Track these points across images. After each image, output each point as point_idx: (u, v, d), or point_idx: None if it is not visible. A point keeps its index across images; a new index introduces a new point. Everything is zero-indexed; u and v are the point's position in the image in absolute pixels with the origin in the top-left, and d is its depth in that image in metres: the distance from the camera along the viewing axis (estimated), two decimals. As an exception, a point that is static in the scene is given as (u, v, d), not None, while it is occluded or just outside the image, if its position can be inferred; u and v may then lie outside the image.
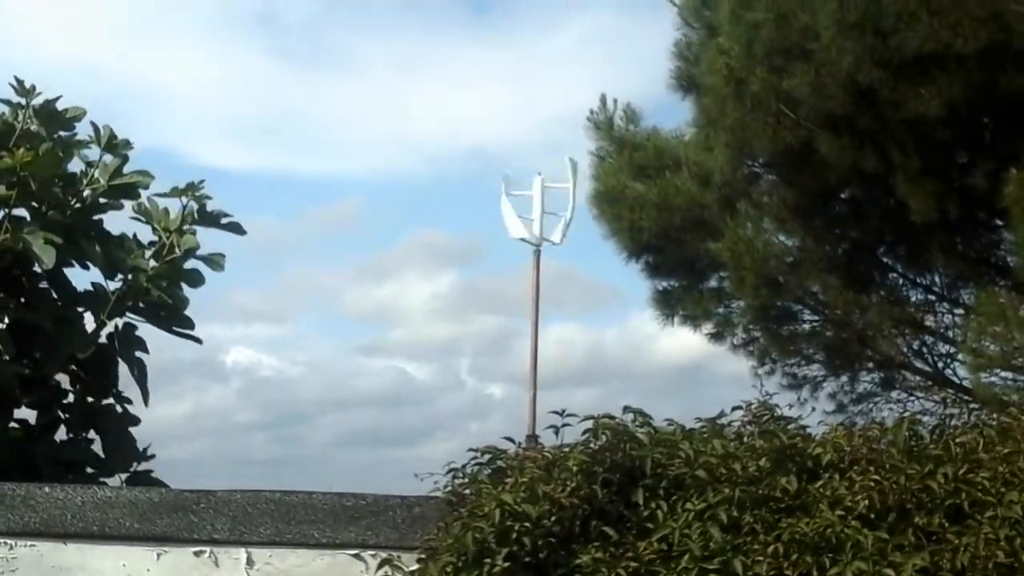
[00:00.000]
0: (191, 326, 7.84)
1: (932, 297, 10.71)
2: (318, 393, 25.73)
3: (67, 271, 7.80)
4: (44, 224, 7.36)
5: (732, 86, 9.45)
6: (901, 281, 10.74)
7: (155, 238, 7.84)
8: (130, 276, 7.64)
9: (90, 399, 7.82)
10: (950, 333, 10.56)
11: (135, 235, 7.91)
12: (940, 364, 10.69)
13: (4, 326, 7.33)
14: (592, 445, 5.15)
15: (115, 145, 7.74)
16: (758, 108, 9.32)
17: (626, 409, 5.34)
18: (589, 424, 5.23)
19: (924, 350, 10.75)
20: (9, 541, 5.30)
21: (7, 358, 7.19)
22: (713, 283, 11.49)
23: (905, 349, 10.73)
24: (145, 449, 7.87)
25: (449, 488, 5.24)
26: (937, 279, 10.65)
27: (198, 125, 30.52)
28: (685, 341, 12.29)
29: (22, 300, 7.54)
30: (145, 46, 28.77)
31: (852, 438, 5.06)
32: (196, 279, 7.94)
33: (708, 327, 11.43)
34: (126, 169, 7.79)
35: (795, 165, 9.75)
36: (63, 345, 7.50)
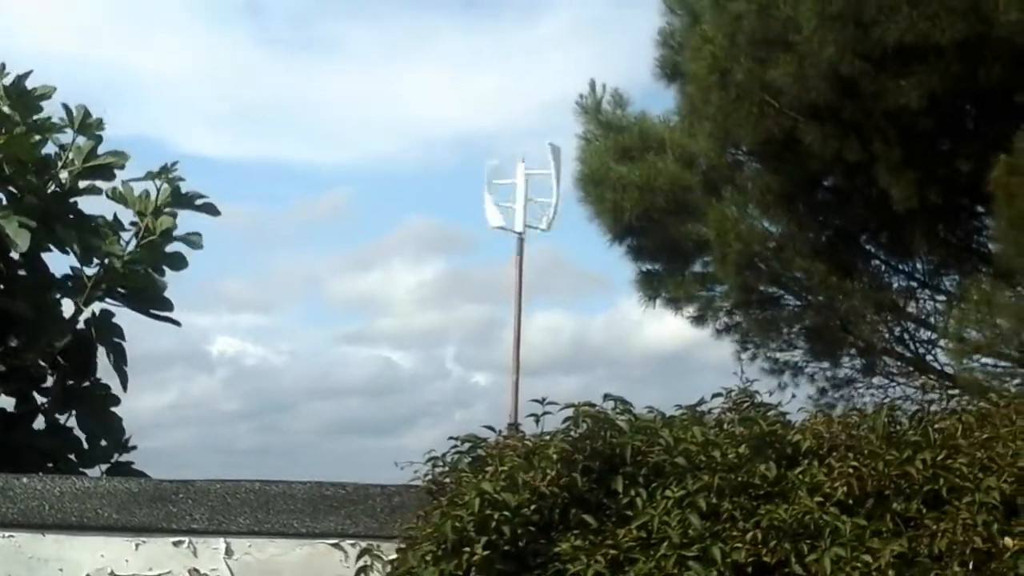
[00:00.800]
0: (170, 307, 7.81)
1: (914, 284, 10.76)
2: (303, 382, 25.74)
3: (44, 256, 7.78)
4: (18, 208, 7.32)
5: (716, 75, 9.48)
6: (883, 268, 10.79)
7: (134, 221, 7.82)
8: (106, 261, 7.61)
9: (69, 383, 7.80)
10: (932, 320, 10.60)
11: (115, 216, 7.87)
12: (921, 350, 10.73)
13: None
14: (572, 433, 5.14)
15: (88, 126, 7.70)
16: (742, 97, 9.34)
17: (607, 397, 5.33)
18: (570, 412, 5.23)
19: (906, 336, 10.80)
20: (-13, 532, 5.28)
21: None
22: (697, 266, 11.52)
23: (887, 335, 10.76)
24: (126, 440, 7.86)
25: (429, 477, 5.24)
26: (919, 266, 10.69)
27: (185, 114, 30.52)
28: (671, 329, 12.35)
29: (-1, 287, 7.51)
30: (132, 35, 28.79)
31: (831, 424, 5.06)
32: (178, 262, 7.92)
33: (690, 310, 11.47)
34: (100, 150, 7.75)
35: (778, 153, 9.78)
36: (41, 332, 7.47)
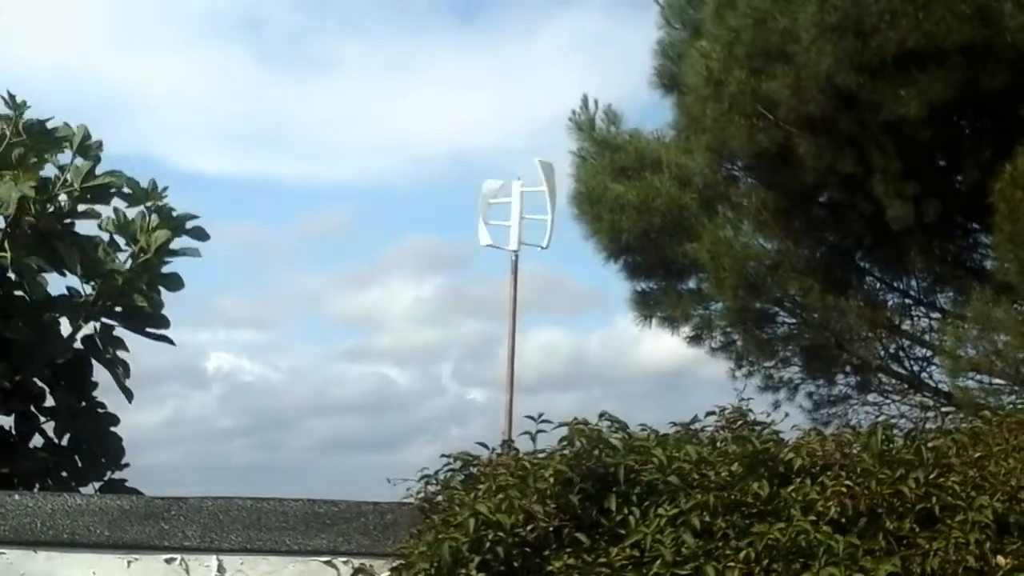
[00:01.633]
0: (166, 325, 7.82)
1: (909, 301, 10.74)
2: (300, 399, 25.65)
3: (42, 276, 7.77)
4: (18, 231, 7.35)
5: (712, 87, 9.46)
6: (878, 285, 10.77)
7: (128, 244, 7.83)
8: (101, 281, 7.62)
9: (69, 402, 7.80)
10: (927, 337, 10.58)
11: (111, 238, 7.89)
12: (916, 368, 10.71)
13: None
14: (567, 452, 5.14)
15: (88, 147, 7.72)
16: (736, 109, 9.33)
17: (602, 416, 5.34)
18: (564, 431, 5.23)
19: (901, 354, 10.77)
20: (-21, 549, 5.26)
21: None
22: (692, 285, 11.49)
23: (882, 352, 10.74)
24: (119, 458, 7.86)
25: (422, 495, 5.23)
26: (914, 283, 10.67)
27: (182, 131, 30.45)
28: (668, 346, 12.31)
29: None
30: (128, 52, 28.69)
31: (824, 443, 5.06)
32: (175, 283, 7.93)
33: (686, 329, 11.44)
34: (98, 170, 7.77)
35: (773, 167, 9.77)
36: (39, 351, 7.47)
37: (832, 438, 5.16)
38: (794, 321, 10.89)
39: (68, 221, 7.80)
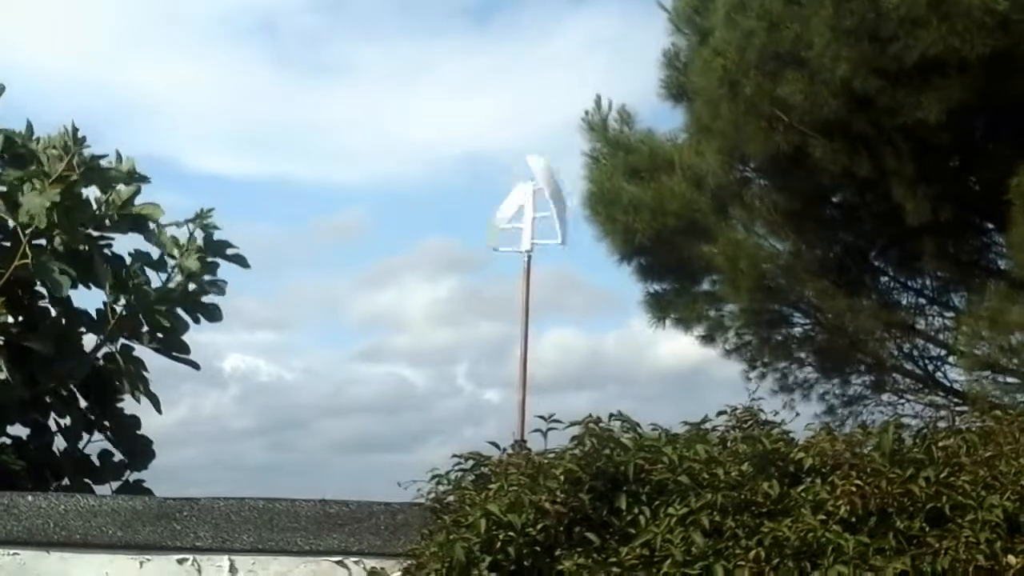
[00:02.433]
0: (187, 351, 7.86)
1: (923, 300, 10.72)
2: (316, 399, 25.70)
3: (73, 295, 7.83)
4: (55, 252, 7.39)
5: (726, 88, 9.44)
6: (892, 285, 10.76)
7: (169, 262, 7.87)
8: (133, 297, 7.66)
9: (92, 415, 7.86)
10: (941, 336, 10.56)
11: (161, 255, 7.90)
12: (931, 367, 10.69)
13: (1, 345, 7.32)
14: (577, 451, 5.15)
15: (132, 174, 7.75)
16: (751, 111, 9.31)
17: (612, 416, 5.35)
18: (576, 430, 5.25)
19: (915, 353, 10.76)
20: (-8, 550, 5.30)
21: (8, 380, 7.19)
22: (705, 286, 11.48)
23: (896, 352, 10.73)
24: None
25: (433, 495, 5.24)
26: (928, 282, 10.65)
27: (199, 133, 30.57)
28: (683, 346, 12.28)
29: (19, 319, 7.55)
30: (145, 56, 28.81)
31: (834, 442, 5.06)
32: (213, 313, 7.94)
33: (699, 330, 11.42)
34: (138, 200, 7.80)
35: (787, 169, 9.76)
36: (59, 365, 7.51)
37: (842, 438, 5.15)
38: (808, 322, 10.88)
39: (103, 242, 7.84)
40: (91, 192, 7.74)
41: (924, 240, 9.66)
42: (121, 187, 7.76)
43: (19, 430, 7.68)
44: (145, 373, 7.85)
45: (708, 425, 5.35)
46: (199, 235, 7.80)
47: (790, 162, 9.54)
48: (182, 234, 7.81)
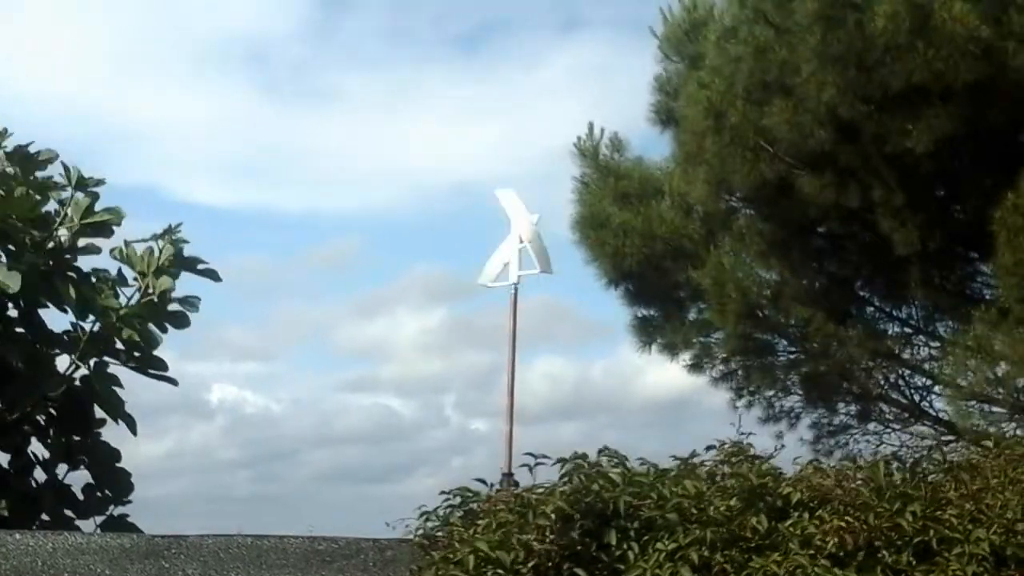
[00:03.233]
0: (164, 367, 7.84)
1: (909, 330, 10.73)
2: (303, 430, 25.62)
3: (42, 312, 7.82)
4: (17, 265, 7.38)
5: (711, 119, 9.47)
6: (878, 314, 10.77)
7: (136, 278, 7.87)
8: (100, 318, 7.65)
9: (75, 437, 7.82)
10: (927, 366, 10.57)
11: (119, 271, 7.92)
12: (917, 397, 10.70)
13: None
14: (566, 488, 5.16)
15: (85, 183, 7.78)
16: (736, 142, 9.33)
17: (601, 451, 5.36)
18: (564, 462, 5.26)
19: (901, 382, 10.76)
20: (-20, 589, 5.27)
21: None
22: (693, 313, 11.49)
23: (882, 381, 10.74)
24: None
25: (421, 531, 5.24)
26: (914, 312, 10.67)
27: (186, 163, 30.52)
28: (672, 375, 12.27)
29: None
30: (134, 85, 28.80)
31: (823, 477, 5.07)
32: (181, 321, 7.95)
33: (686, 357, 11.42)
34: (98, 206, 7.82)
35: (773, 199, 9.77)
36: (34, 385, 7.49)
37: (832, 471, 5.17)
38: (795, 350, 10.89)
39: (68, 256, 7.84)
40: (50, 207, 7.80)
41: (910, 269, 9.68)
42: (78, 195, 7.79)
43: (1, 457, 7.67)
44: (119, 389, 7.83)
45: (696, 459, 5.37)
46: (168, 250, 7.82)
47: (776, 192, 9.57)
48: (151, 246, 7.85)
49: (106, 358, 7.77)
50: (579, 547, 4.94)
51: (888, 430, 10.78)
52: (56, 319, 7.84)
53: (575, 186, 11.80)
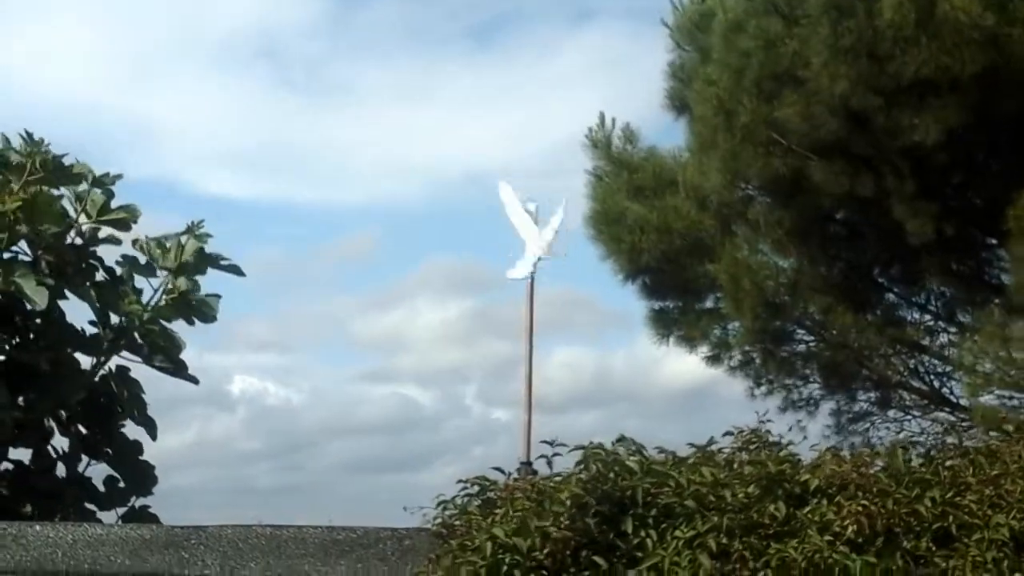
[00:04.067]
0: (184, 368, 7.87)
1: (928, 317, 10.67)
2: (324, 420, 25.68)
3: (63, 305, 7.86)
4: (36, 266, 7.41)
5: (722, 117, 9.43)
6: (897, 301, 10.71)
7: (159, 275, 7.90)
8: (123, 319, 7.68)
9: (94, 435, 7.86)
10: (946, 352, 10.51)
11: (147, 263, 7.91)
12: (936, 383, 10.64)
13: None
14: (583, 475, 5.16)
15: (102, 180, 7.81)
16: (748, 137, 9.29)
17: (619, 440, 5.36)
18: (581, 449, 5.26)
19: (920, 369, 10.70)
20: (1, 580, 5.31)
21: (2, 402, 7.20)
22: (709, 304, 11.44)
23: (902, 369, 10.68)
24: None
25: (439, 520, 5.25)
26: (933, 299, 10.61)
27: (203, 157, 30.61)
28: (691, 363, 12.22)
29: (15, 341, 7.57)
30: (152, 81, 28.89)
31: (841, 463, 5.06)
32: (208, 315, 7.98)
33: (704, 349, 11.37)
34: (115, 202, 7.84)
35: (788, 190, 9.73)
36: (56, 386, 7.53)
37: (849, 458, 5.15)
38: (813, 339, 10.84)
39: (92, 250, 7.87)
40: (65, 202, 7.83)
41: (927, 257, 9.62)
42: (95, 192, 7.82)
43: (20, 454, 7.71)
44: (142, 395, 7.87)
45: (714, 447, 5.37)
46: (192, 245, 7.85)
47: (791, 183, 9.52)
48: (173, 246, 7.87)
49: (127, 354, 7.80)
50: (597, 534, 4.94)
51: (908, 417, 10.72)
52: (74, 312, 7.88)
53: (588, 180, 11.73)
